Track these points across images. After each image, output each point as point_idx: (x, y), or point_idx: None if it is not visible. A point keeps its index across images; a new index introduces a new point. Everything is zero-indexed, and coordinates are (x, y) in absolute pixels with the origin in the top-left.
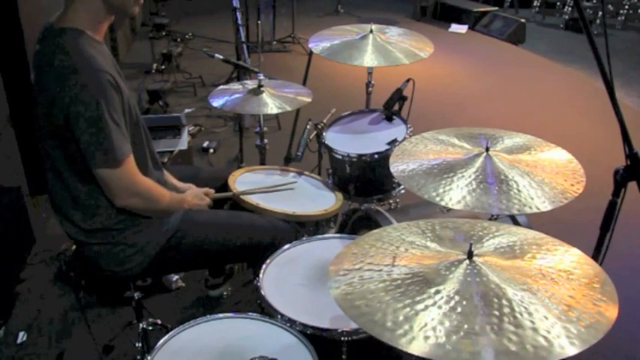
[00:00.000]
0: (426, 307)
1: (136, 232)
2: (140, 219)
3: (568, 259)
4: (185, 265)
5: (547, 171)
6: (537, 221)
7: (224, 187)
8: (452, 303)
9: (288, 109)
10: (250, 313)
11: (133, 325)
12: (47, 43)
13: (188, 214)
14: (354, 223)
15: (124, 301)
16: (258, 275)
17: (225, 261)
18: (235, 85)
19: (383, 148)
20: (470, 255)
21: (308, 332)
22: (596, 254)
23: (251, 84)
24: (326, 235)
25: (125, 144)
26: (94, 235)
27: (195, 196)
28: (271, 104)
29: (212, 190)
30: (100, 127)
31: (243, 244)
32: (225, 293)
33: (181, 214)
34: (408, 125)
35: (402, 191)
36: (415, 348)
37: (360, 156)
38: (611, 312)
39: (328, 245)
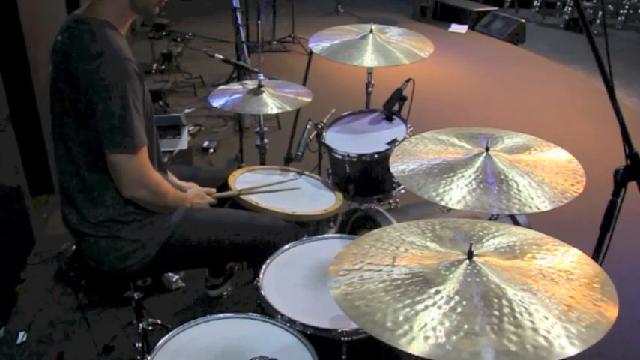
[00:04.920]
0: (426, 307)
1: (140, 227)
2: (144, 214)
3: (568, 259)
4: (185, 263)
5: (547, 171)
6: (537, 221)
7: (224, 187)
8: (452, 303)
9: (288, 109)
10: (250, 313)
11: (132, 325)
12: (75, 30)
13: (189, 212)
14: (354, 223)
15: (124, 301)
16: (258, 275)
17: (226, 259)
18: (235, 85)
19: (383, 148)
20: (470, 255)
21: (308, 332)
22: (596, 254)
23: (251, 84)
24: (326, 235)
25: (143, 132)
26: (99, 227)
27: (197, 195)
28: (271, 104)
29: (213, 190)
30: (123, 112)
31: (244, 242)
32: (225, 293)
33: (183, 212)
34: (408, 125)
35: (402, 191)
36: (415, 348)
37: (360, 156)
38: (611, 312)
39: (328, 245)
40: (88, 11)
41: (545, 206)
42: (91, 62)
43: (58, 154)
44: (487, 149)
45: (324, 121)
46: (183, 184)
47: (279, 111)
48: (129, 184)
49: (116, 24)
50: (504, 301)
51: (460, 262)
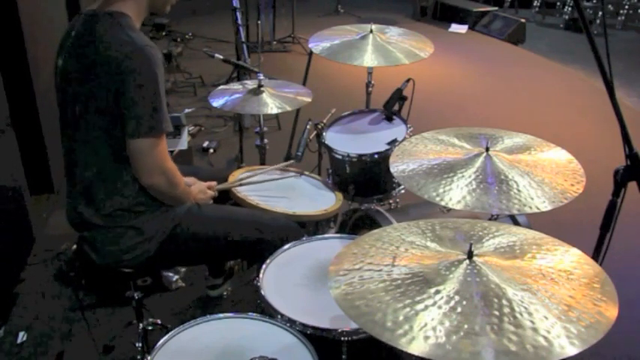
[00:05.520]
0: (426, 307)
1: (149, 219)
2: (154, 205)
3: (568, 259)
4: (186, 259)
5: (547, 171)
6: (537, 221)
7: None
8: (452, 303)
9: (288, 109)
10: (250, 313)
11: (132, 325)
12: (97, 22)
13: (194, 207)
14: (354, 223)
15: (124, 301)
16: (258, 275)
17: (227, 256)
18: (235, 85)
19: (383, 148)
20: (470, 255)
21: (308, 332)
22: (596, 254)
23: (251, 84)
24: (326, 235)
25: (168, 119)
26: (111, 217)
27: (200, 190)
28: (271, 104)
29: (214, 183)
30: (154, 97)
31: (248, 239)
32: (225, 293)
33: (187, 206)
34: (408, 125)
35: (402, 191)
36: (415, 348)
37: (360, 156)
38: (611, 312)
39: (328, 245)
40: (105, 5)
41: (545, 206)
42: (120, 50)
43: (74, 147)
44: (487, 149)
45: (324, 121)
46: (185, 179)
47: (279, 111)
48: (149, 170)
49: (134, 19)
50: (504, 301)
51: (460, 262)
